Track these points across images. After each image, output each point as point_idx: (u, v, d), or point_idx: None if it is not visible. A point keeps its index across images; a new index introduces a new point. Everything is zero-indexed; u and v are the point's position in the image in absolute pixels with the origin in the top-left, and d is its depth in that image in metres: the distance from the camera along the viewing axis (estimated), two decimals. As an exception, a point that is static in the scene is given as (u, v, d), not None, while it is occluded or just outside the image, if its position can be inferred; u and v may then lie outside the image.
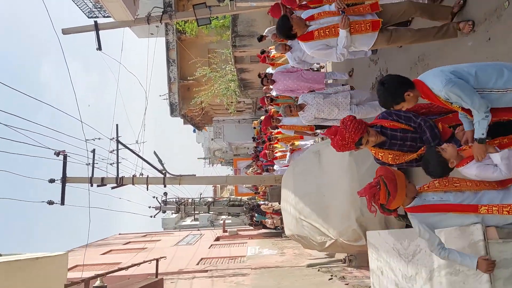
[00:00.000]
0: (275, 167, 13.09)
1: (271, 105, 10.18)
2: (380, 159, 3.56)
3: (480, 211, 2.96)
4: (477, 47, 4.57)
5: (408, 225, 3.57)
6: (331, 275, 8.49)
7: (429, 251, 3.20)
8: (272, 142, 12.09)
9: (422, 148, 3.24)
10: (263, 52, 10.38)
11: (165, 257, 9.40)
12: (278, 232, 16.90)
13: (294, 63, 7.29)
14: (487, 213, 2.95)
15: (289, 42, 7.06)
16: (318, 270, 9.29)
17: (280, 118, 8.58)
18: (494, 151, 2.89)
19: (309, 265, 9.90)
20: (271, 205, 16.09)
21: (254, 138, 21.79)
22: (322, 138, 9.49)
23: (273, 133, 11.47)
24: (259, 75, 9.24)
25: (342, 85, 7.49)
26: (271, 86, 9.11)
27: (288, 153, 10.51)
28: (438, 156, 2.97)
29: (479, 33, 4.50)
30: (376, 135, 3.45)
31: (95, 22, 9.38)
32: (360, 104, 6.50)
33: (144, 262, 7.98)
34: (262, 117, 15.10)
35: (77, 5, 17.63)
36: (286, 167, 10.24)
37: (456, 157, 2.97)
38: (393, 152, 3.49)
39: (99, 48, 9.36)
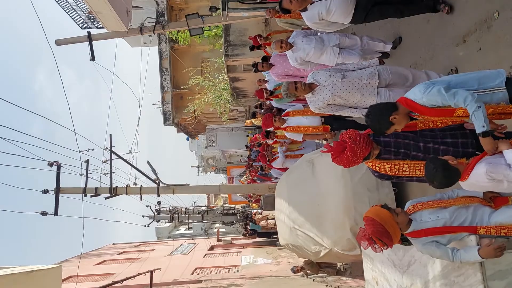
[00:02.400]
0: (272, 171, 11.65)
1: (269, 98, 8.87)
2: (378, 170, 3.47)
3: (479, 232, 3.00)
4: (468, 57, 4.63)
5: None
6: (326, 285, 8.48)
7: (427, 263, 3.21)
8: (269, 142, 10.39)
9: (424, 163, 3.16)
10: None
11: (159, 269, 9.37)
12: (272, 241, 16.87)
13: (296, 64, 6.37)
14: (485, 234, 2.98)
15: (291, 39, 6.22)
16: (313, 279, 9.28)
17: (285, 118, 7.09)
18: (507, 147, 2.80)
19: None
20: (265, 215, 16.08)
21: (247, 146, 21.82)
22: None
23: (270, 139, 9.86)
24: (253, 64, 8.17)
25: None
26: (265, 76, 8.27)
27: (280, 153, 9.57)
28: (442, 162, 2.90)
29: (470, 43, 4.56)
30: (376, 146, 3.41)
31: (88, 33, 9.40)
32: (391, 87, 4.92)
33: (138, 274, 7.95)
34: (258, 121, 14.76)
35: (70, 16, 17.61)
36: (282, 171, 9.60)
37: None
38: (390, 162, 3.41)
39: (93, 58, 9.38)
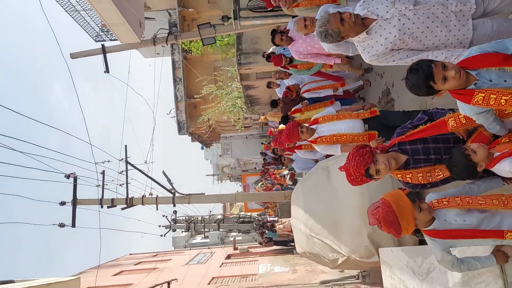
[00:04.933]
0: (294, 163, 10.02)
1: (287, 67, 7.40)
2: (410, 181, 3.11)
3: (506, 237, 2.76)
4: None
5: (422, 241, 3.43)
6: (345, 292, 8.40)
7: (446, 269, 3.12)
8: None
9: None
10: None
11: (176, 279, 9.36)
12: (289, 249, 16.78)
13: (330, 46, 4.52)
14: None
15: (318, 15, 4.67)
16: (332, 287, 9.19)
17: (313, 127, 5.34)
18: None
19: (322, 282, 9.80)
20: (283, 222, 16.01)
21: (262, 153, 21.85)
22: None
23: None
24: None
25: None
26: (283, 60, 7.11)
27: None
28: (466, 160, 2.68)
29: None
30: (388, 161, 3.04)
31: (103, 45, 9.52)
32: (491, 16, 3.23)
33: (156, 286, 7.96)
34: (273, 117, 14.25)
35: (84, 29, 17.88)
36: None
37: (486, 159, 2.68)
38: (421, 170, 3.06)
39: (107, 71, 9.49)
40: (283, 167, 18.52)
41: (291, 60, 6.96)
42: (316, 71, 7.19)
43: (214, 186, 45.95)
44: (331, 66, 7.05)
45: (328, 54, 5.86)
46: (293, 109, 7.92)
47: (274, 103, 9.02)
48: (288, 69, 7.51)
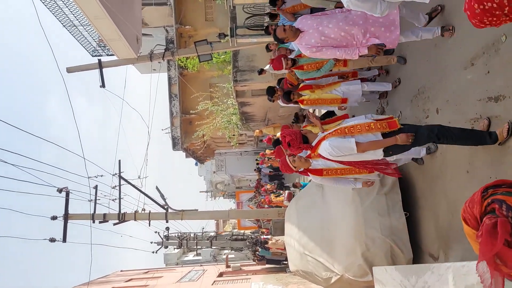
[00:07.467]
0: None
1: (290, 69, 6.25)
2: None
3: None
4: (476, 80, 4.62)
5: (416, 259, 3.35)
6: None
7: None
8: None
9: None
10: None
11: (168, 295, 9.23)
12: (282, 267, 16.65)
13: (353, 1, 3.90)
14: None
15: None
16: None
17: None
18: None
19: (315, 301, 9.70)
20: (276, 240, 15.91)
21: (257, 168, 21.88)
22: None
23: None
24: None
25: None
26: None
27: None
28: None
29: (478, 67, 4.56)
30: None
31: (99, 60, 9.57)
32: None
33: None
34: (269, 130, 13.97)
35: (81, 44, 17.99)
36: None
37: None
38: None
39: (103, 85, 9.52)
40: (282, 191, 18.50)
41: (295, 61, 5.96)
42: (326, 72, 6.09)
43: (207, 202, 45.76)
44: (345, 64, 5.99)
45: (345, 45, 4.60)
46: (302, 85, 6.65)
47: (271, 91, 7.10)
48: (293, 71, 6.27)
